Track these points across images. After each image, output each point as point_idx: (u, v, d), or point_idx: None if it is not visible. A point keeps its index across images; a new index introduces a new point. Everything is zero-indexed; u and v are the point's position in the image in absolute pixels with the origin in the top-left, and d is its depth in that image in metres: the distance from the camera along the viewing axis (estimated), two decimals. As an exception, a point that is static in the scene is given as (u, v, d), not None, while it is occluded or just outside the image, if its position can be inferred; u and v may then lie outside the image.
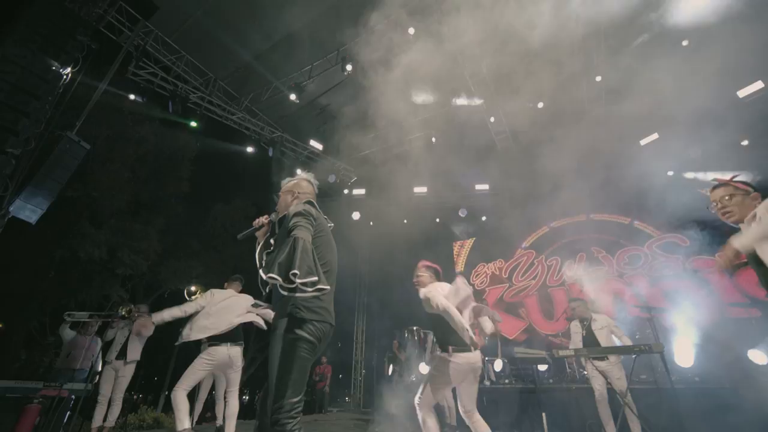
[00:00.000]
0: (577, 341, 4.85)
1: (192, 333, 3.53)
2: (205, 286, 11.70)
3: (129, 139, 10.14)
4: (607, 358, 4.48)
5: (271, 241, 2.21)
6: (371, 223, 12.55)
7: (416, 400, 2.71)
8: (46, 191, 5.97)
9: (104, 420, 4.74)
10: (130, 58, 8.13)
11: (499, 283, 10.44)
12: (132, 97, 8.38)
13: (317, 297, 1.81)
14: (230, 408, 3.92)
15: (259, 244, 2.20)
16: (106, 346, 5.15)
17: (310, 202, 2.16)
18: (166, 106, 10.72)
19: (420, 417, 2.63)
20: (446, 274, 3.71)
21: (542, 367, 5.76)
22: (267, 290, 1.93)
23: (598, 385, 4.46)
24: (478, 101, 9.58)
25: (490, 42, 8.35)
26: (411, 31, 7.57)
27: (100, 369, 5.80)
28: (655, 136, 8.80)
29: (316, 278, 1.66)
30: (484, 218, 11.20)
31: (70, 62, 6.05)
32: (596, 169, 10.17)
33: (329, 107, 11.30)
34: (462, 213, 11.28)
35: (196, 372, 3.50)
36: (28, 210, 5.70)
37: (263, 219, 2.25)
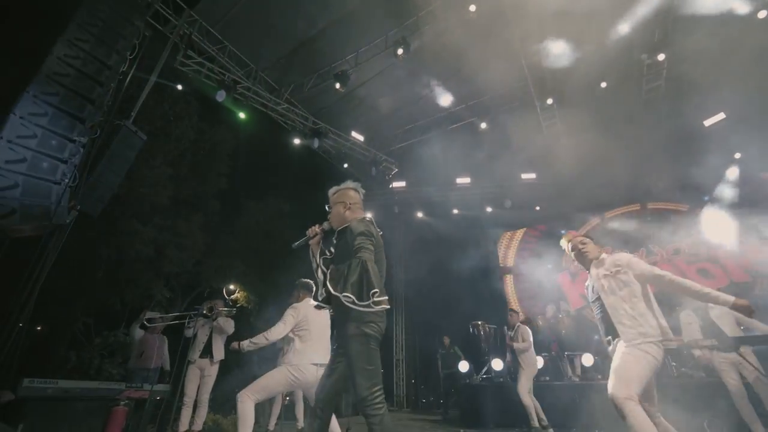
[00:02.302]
0: (693, 332, 4.43)
1: (294, 357, 3.21)
2: (244, 285, 11.39)
3: (169, 134, 9.92)
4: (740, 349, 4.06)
5: (331, 249, 2.37)
6: (416, 215, 12.22)
7: (620, 392, 2.26)
8: (107, 183, 5.72)
9: (191, 424, 4.44)
10: (176, 49, 7.88)
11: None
12: (180, 87, 8.11)
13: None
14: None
15: (314, 254, 2.36)
16: (185, 345, 4.84)
17: (370, 221, 2.32)
18: (205, 100, 10.54)
19: (629, 412, 2.21)
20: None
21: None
22: (322, 298, 2.16)
23: (733, 380, 4.02)
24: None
25: (548, 23, 7.97)
26: (472, 8, 7.16)
27: (168, 368, 5.54)
28: (721, 116, 8.26)
29: (386, 298, 1.99)
30: (537, 208, 10.74)
31: (128, 48, 5.78)
32: (655, 155, 9.72)
33: (369, 97, 10.97)
34: (507, 204, 10.85)
35: (276, 387, 3.19)
36: (92, 202, 5.44)
37: (316, 228, 2.38)
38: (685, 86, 8.01)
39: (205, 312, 4.53)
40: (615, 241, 9.75)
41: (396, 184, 11.98)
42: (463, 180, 11.45)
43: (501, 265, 11.82)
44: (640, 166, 10.15)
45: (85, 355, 8.76)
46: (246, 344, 3.26)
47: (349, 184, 2.50)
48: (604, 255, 2.79)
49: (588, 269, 2.86)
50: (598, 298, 2.69)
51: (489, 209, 11.31)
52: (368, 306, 1.90)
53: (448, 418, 7.27)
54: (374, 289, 1.92)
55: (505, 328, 5.18)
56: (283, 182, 14.07)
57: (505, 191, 10.93)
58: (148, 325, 5.30)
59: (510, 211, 11.10)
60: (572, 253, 2.95)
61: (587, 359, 5.55)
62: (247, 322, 13.44)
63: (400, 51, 7.92)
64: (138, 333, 5.32)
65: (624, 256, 2.69)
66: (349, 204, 2.39)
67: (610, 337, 2.63)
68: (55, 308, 9.29)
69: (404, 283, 13.29)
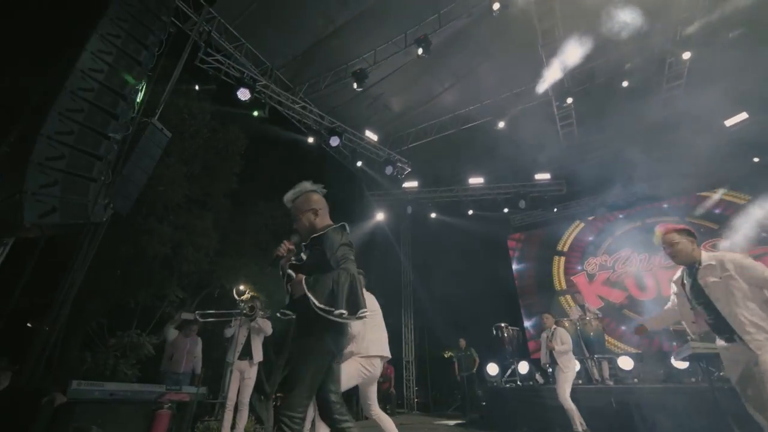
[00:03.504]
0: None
1: (371, 347, 3.13)
2: (255, 285, 11.28)
3: (183, 132, 9.79)
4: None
5: (302, 257, 2.25)
6: (428, 215, 12.18)
7: None
8: (135, 181, 5.63)
9: (232, 428, 4.35)
10: (196, 47, 7.80)
11: (603, 270, 10.10)
12: (197, 87, 8.02)
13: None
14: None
15: (283, 269, 2.25)
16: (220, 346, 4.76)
17: (344, 227, 2.24)
18: (217, 98, 10.44)
19: None
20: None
21: (682, 365, 5.27)
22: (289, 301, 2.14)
23: None
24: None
25: (570, 20, 7.96)
26: (496, 6, 7.13)
27: (199, 372, 5.45)
28: (743, 116, 8.29)
29: (365, 310, 1.97)
30: (555, 209, 10.74)
31: (157, 44, 5.69)
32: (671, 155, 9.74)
33: (382, 96, 10.93)
34: (521, 204, 10.84)
35: (347, 383, 3.12)
36: (121, 200, 5.34)
37: (289, 246, 2.26)
38: (707, 84, 8.04)
39: (245, 312, 4.45)
40: (633, 245, 9.81)
41: (408, 184, 11.93)
42: (477, 180, 11.43)
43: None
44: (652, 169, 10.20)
45: (100, 356, 8.61)
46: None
47: (308, 186, 2.42)
48: (705, 254, 2.67)
49: (684, 265, 2.77)
50: (706, 301, 2.55)
51: (505, 210, 11.29)
52: (356, 318, 1.94)
53: (474, 421, 7.23)
54: (363, 308, 1.96)
55: (545, 332, 5.13)
56: (293, 182, 13.93)
57: (519, 191, 10.91)
58: (183, 324, 5.21)
59: (525, 212, 11.10)
60: (665, 249, 2.84)
61: (625, 362, 5.51)
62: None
63: (420, 51, 7.87)
64: (171, 334, 5.24)
65: (734, 258, 2.53)
66: (318, 210, 2.32)
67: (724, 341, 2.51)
68: (72, 307, 9.15)
69: (412, 285, 13.27)
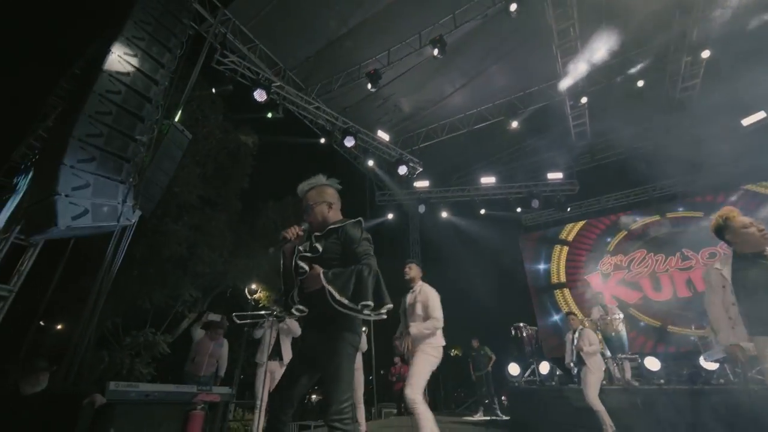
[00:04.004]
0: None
1: (436, 340, 3.20)
2: (267, 285, 11.30)
3: (196, 134, 9.83)
4: None
5: (317, 247, 2.09)
6: (439, 215, 12.18)
7: None
8: (157, 182, 5.65)
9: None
10: (213, 48, 7.82)
11: (618, 270, 10.27)
12: (214, 90, 8.05)
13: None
14: None
15: (286, 255, 2.12)
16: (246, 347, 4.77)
17: (361, 222, 2.19)
18: (229, 99, 10.46)
19: None
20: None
21: (713, 366, 5.23)
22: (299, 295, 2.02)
23: None
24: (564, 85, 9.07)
25: (588, 21, 7.95)
26: (513, 7, 7.12)
27: (222, 374, 5.46)
28: (761, 114, 8.25)
29: (390, 306, 1.91)
30: (569, 209, 10.72)
31: (179, 47, 5.72)
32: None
33: (393, 96, 10.94)
34: (534, 204, 10.82)
35: (429, 372, 3.13)
36: (144, 202, 5.37)
37: (299, 231, 2.08)
38: (723, 84, 8.02)
39: (276, 313, 4.46)
40: (648, 245, 9.79)
41: (419, 184, 11.93)
42: (488, 180, 11.42)
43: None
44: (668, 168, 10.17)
45: (116, 355, 8.68)
46: (415, 331, 3.16)
47: (323, 179, 2.33)
48: None
49: (749, 252, 2.51)
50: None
51: (517, 210, 11.27)
52: (379, 315, 1.89)
53: (498, 423, 7.24)
54: (389, 303, 1.91)
55: (570, 332, 5.12)
56: (304, 179, 13.97)
57: (531, 191, 10.90)
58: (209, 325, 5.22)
59: (538, 212, 11.08)
60: (727, 235, 2.60)
61: (652, 363, 5.50)
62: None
63: (435, 51, 7.86)
64: (198, 334, 5.25)
65: None
66: (332, 204, 2.24)
67: None
68: (85, 308, 9.21)
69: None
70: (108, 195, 4.19)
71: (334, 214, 2.23)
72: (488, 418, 8.20)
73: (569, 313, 5.33)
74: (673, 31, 8.19)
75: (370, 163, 10.33)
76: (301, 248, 2.11)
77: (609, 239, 10.87)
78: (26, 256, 4.66)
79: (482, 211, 12.00)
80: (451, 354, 16.95)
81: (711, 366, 5.15)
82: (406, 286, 3.59)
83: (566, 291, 11.15)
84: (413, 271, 3.60)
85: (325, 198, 2.23)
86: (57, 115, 5.08)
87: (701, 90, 8.95)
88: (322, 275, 1.90)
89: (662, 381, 5.40)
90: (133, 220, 4.69)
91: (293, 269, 2.06)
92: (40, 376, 3.18)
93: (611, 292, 9.71)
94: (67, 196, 3.81)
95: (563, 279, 11.20)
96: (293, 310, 2.01)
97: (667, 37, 8.18)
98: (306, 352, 2.03)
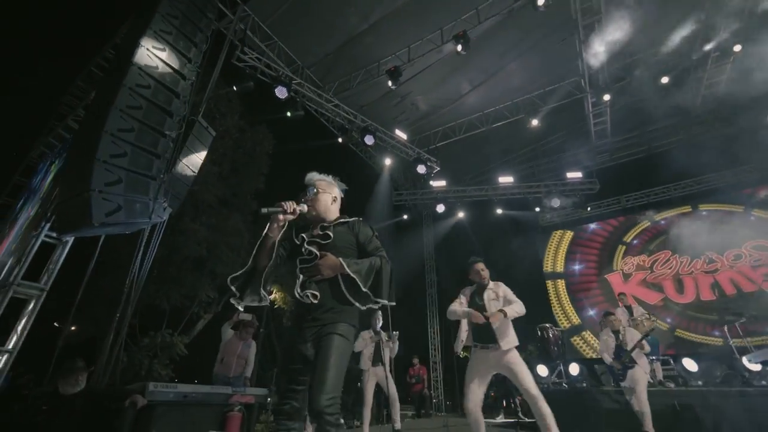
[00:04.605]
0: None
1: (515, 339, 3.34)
2: (281, 286, 11.12)
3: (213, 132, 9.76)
4: None
5: (328, 234, 2.03)
6: (456, 214, 12.05)
7: None
8: (183, 179, 5.57)
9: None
10: (231, 46, 7.74)
11: (640, 270, 10.03)
12: (235, 87, 7.95)
13: None
14: None
15: (276, 226, 1.95)
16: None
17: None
18: (244, 97, 10.37)
19: None
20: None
21: (756, 367, 5.08)
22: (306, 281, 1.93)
23: None
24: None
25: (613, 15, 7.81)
26: (541, 1, 6.98)
27: (249, 375, 5.35)
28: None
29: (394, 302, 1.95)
30: (588, 208, 10.55)
31: (204, 41, 5.64)
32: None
33: (411, 94, 10.82)
34: (555, 203, 10.64)
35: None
36: (171, 199, 5.28)
37: (296, 207, 1.96)
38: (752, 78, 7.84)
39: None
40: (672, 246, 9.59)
41: (435, 183, 11.80)
42: (506, 179, 11.26)
43: (548, 270, 11.61)
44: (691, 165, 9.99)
45: (134, 356, 8.60)
46: (513, 312, 3.29)
47: (334, 179, 2.31)
48: None
49: None
50: None
51: (536, 209, 11.11)
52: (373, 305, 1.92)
53: (525, 424, 7.09)
54: (393, 300, 1.94)
55: (607, 332, 4.97)
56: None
57: (550, 190, 10.74)
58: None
59: (556, 211, 10.91)
60: None
61: (690, 364, 5.34)
62: (280, 323, 13.29)
63: (459, 47, 7.74)
64: (228, 334, 5.14)
65: None
66: (337, 199, 2.24)
67: None
68: (101, 308, 9.16)
69: (437, 284, 13.12)
70: (140, 191, 4.10)
71: (336, 210, 2.22)
72: (512, 419, 8.05)
73: (608, 313, 5.18)
74: (702, 24, 8.04)
75: (387, 162, 10.22)
76: (305, 235, 2.06)
77: (629, 237, 10.67)
78: (55, 254, 4.57)
79: (499, 211, 11.84)
80: (460, 356, 16.72)
81: (755, 367, 4.99)
82: (478, 283, 3.63)
83: (583, 290, 10.98)
84: (486, 270, 3.67)
85: (333, 192, 2.23)
86: (87, 107, 4.99)
87: (728, 84, 8.78)
88: (344, 263, 1.86)
89: (701, 383, 5.24)
90: (164, 218, 4.59)
91: (298, 254, 2.01)
92: (79, 377, 3.09)
93: (632, 292, 9.52)
94: (100, 192, 3.72)
95: (580, 278, 11.02)
96: (303, 296, 1.88)
97: (696, 31, 8.00)
98: (302, 344, 1.88)
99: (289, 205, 1.93)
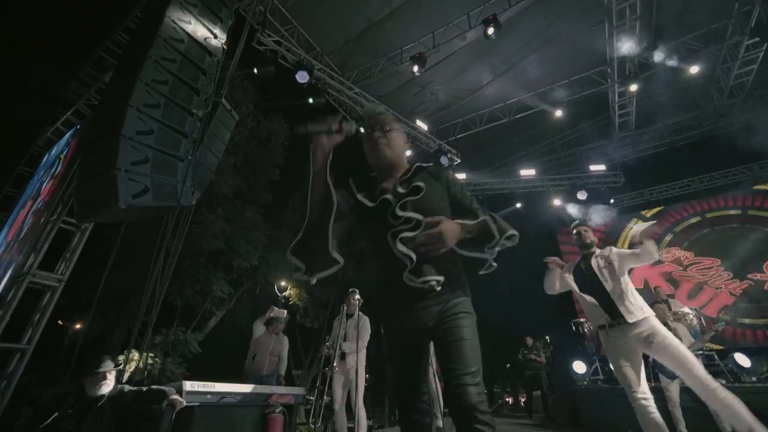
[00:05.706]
0: None
1: None
2: (296, 282, 10.72)
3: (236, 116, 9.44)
4: None
5: (419, 185, 1.54)
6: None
7: None
8: (206, 165, 5.22)
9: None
10: (252, 28, 7.39)
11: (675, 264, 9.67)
12: (256, 70, 7.59)
13: None
14: None
15: (319, 160, 1.46)
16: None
17: None
18: (264, 87, 10.04)
19: None
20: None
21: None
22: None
23: None
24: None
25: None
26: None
27: (282, 373, 5.00)
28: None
29: None
30: (612, 201, 10.20)
31: (230, 17, 5.29)
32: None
33: (431, 84, 10.46)
34: (581, 195, 10.28)
35: None
36: (195, 184, 4.92)
37: (343, 127, 1.50)
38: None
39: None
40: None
41: (456, 175, 11.45)
42: (528, 172, 10.91)
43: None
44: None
45: (147, 354, 8.27)
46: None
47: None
48: None
49: None
50: None
51: (557, 202, 10.76)
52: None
53: (558, 422, 6.76)
54: None
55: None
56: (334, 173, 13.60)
57: (575, 183, 10.39)
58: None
59: (581, 205, 10.56)
60: None
61: (742, 359, 5.00)
62: (293, 320, 12.94)
63: (491, 30, 7.38)
64: (259, 330, 4.78)
65: None
66: (408, 149, 1.85)
67: None
68: (112, 305, 8.83)
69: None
70: (167, 172, 3.75)
71: (404, 156, 1.73)
72: (543, 415, 7.73)
73: (655, 302, 4.83)
74: (735, 12, 7.69)
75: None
76: (389, 196, 1.54)
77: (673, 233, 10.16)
78: (72, 242, 4.22)
79: (518, 205, 11.50)
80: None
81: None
82: (586, 250, 3.24)
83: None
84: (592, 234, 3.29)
85: (406, 140, 1.78)
86: (108, 84, 4.64)
87: (758, 74, 8.45)
88: (463, 228, 1.41)
89: (754, 378, 4.90)
90: (193, 202, 4.24)
91: (384, 222, 1.50)
92: (107, 376, 2.74)
93: (646, 276, 9.13)
94: (126, 171, 3.37)
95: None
96: (424, 283, 1.42)
97: (728, 19, 7.67)
98: (444, 322, 1.44)
99: (336, 123, 1.48)
